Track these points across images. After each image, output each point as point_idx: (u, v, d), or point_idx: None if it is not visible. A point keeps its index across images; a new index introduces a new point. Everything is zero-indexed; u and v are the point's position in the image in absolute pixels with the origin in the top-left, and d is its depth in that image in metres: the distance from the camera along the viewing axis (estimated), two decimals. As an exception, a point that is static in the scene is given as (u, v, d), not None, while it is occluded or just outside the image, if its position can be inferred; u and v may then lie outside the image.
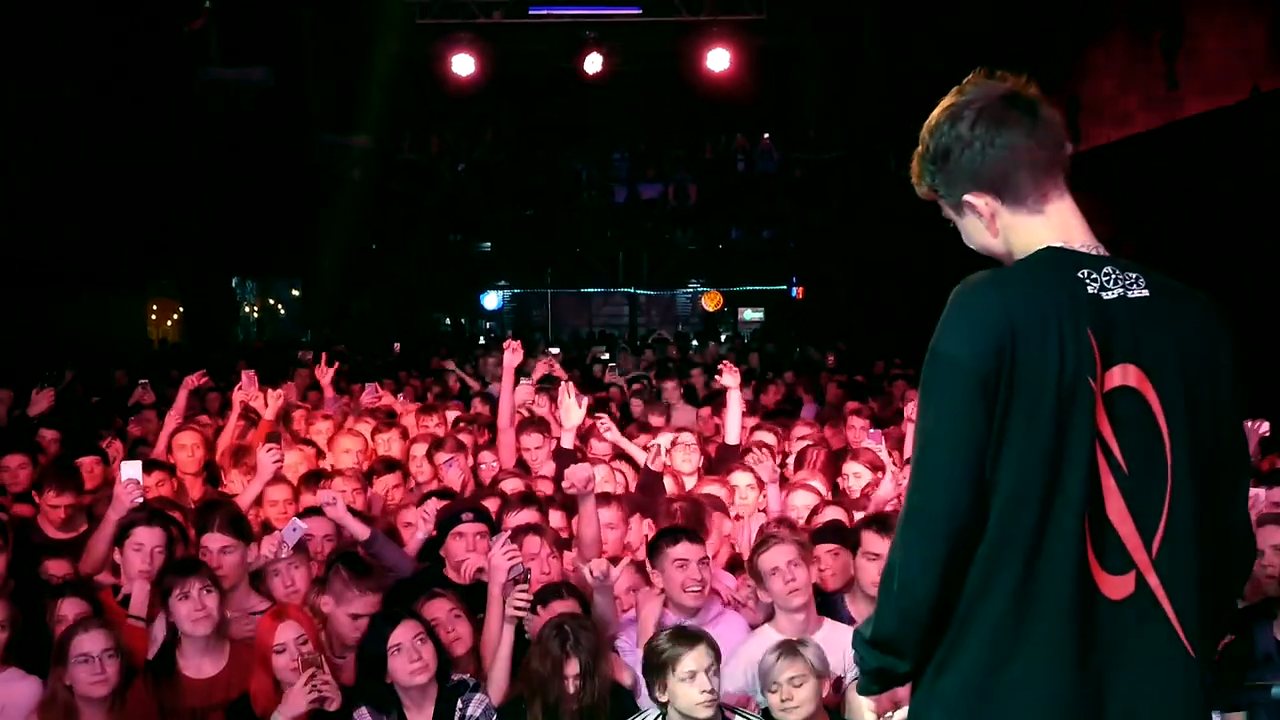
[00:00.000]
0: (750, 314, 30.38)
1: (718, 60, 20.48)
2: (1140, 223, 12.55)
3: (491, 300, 27.71)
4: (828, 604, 5.44)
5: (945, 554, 2.56)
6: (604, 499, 6.30)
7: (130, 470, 5.98)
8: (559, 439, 7.86)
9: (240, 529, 5.93)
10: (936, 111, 2.71)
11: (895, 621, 2.66)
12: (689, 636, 4.61)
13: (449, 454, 8.35)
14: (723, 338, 25.28)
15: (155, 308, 22.79)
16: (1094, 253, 2.65)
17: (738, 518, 6.92)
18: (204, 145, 18.26)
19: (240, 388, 9.14)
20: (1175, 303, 2.64)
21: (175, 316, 23.33)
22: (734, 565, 6.36)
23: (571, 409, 7.60)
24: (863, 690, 2.90)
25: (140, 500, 5.93)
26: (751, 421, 9.18)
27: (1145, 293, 2.61)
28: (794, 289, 26.80)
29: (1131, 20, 16.34)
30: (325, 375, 10.81)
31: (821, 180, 23.59)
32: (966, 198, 2.71)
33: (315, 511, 6.36)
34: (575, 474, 5.85)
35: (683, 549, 5.35)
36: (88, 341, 16.46)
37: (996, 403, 2.50)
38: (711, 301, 27.17)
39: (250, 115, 18.79)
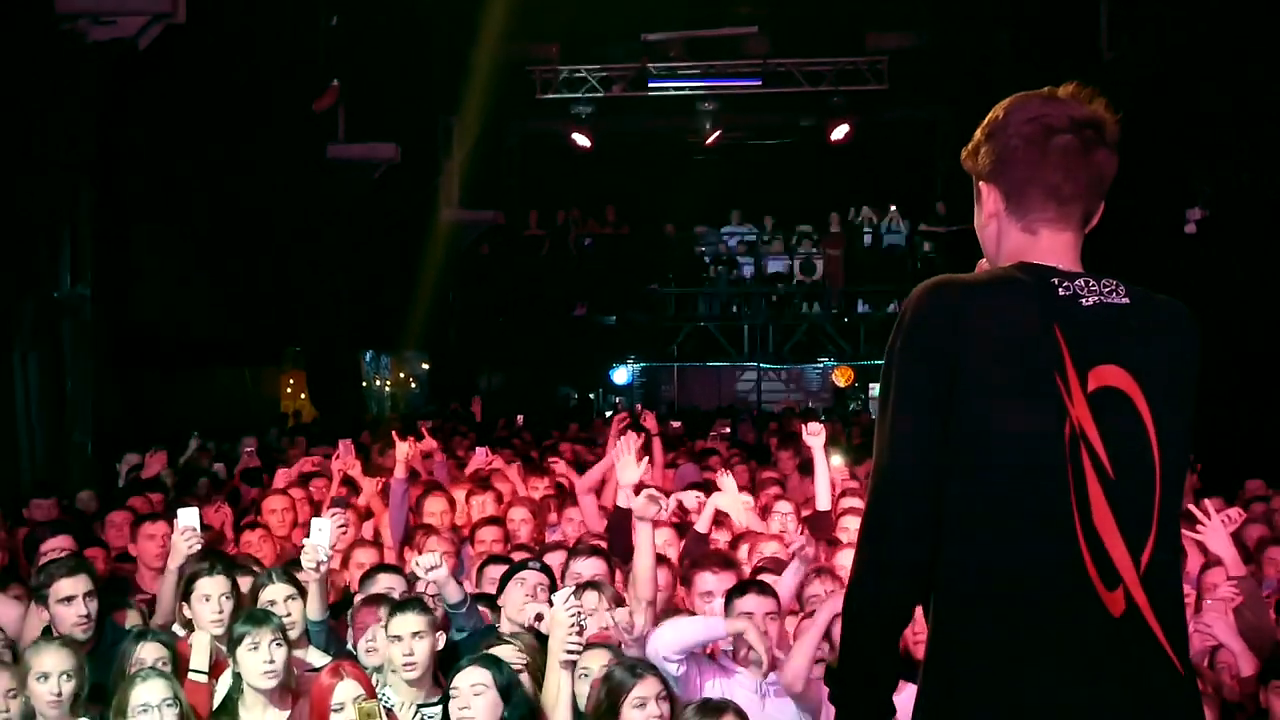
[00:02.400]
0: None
1: (839, 132, 20.44)
2: None
3: (621, 375, 27.77)
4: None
5: (903, 563, 2.48)
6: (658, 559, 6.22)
7: (187, 518, 6.04)
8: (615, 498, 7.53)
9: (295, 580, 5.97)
10: (1021, 94, 2.69)
11: (856, 645, 2.56)
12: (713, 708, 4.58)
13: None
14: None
15: (291, 381, 23.23)
16: (1069, 269, 2.59)
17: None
18: (333, 220, 18.64)
19: (338, 456, 9.32)
20: (1158, 312, 2.57)
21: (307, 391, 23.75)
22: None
23: (629, 465, 7.12)
24: None
25: (198, 548, 5.99)
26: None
27: (1126, 300, 2.54)
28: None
29: None
30: (425, 445, 10.80)
31: (950, 253, 23.33)
32: (981, 184, 2.70)
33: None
34: (645, 499, 5.80)
35: (749, 602, 5.25)
36: (223, 414, 16.83)
37: (954, 403, 2.44)
38: (843, 376, 26.83)
39: (378, 191, 19.16)
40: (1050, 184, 2.59)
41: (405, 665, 5.27)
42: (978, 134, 2.71)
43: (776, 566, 6.22)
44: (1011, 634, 2.42)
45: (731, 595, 5.33)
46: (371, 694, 5.11)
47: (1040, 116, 2.60)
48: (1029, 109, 2.63)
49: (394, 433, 9.98)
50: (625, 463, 7.16)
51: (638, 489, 6.71)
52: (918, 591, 2.53)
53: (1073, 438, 2.43)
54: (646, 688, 4.71)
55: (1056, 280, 2.54)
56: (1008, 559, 2.43)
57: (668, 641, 5.07)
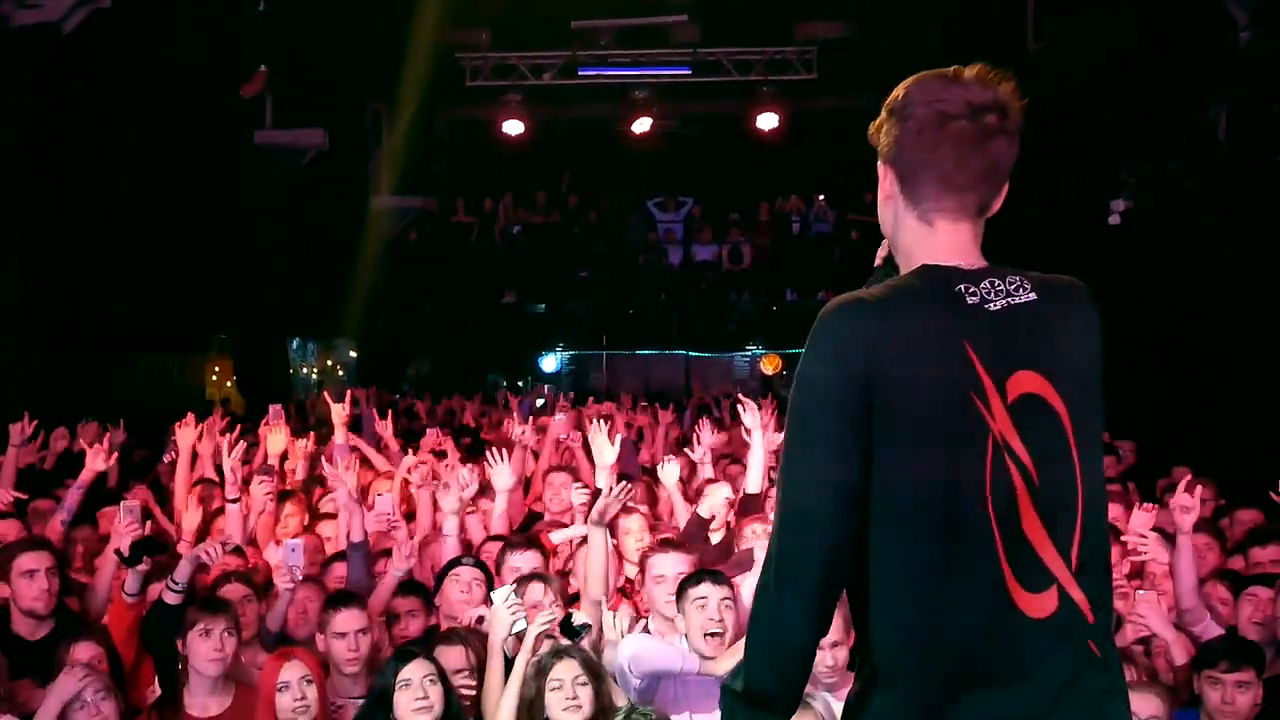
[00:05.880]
0: (808, 377, 29.97)
1: (767, 121, 20.54)
2: None
3: (550, 363, 27.73)
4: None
5: (820, 597, 2.45)
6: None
7: (132, 504, 6.12)
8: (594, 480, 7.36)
9: (252, 582, 6.07)
10: (926, 73, 2.62)
11: (772, 674, 2.51)
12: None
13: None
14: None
15: (216, 368, 23.00)
16: (972, 267, 2.55)
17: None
18: (260, 207, 18.47)
19: (266, 422, 9.27)
20: (1060, 300, 2.56)
21: (234, 378, 23.51)
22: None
23: (605, 448, 7.07)
24: None
25: (139, 533, 6.03)
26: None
27: (1033, 296, 2.52)
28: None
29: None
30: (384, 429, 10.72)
31: (877, 242, 23.43)
32: (880, 163, 2.66)
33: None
34: (601, 504, 5.79)
35: (704, 589, 5.21)
36: (148, 401, 16.62)
37: (867, 433, 2.39)
38: (770, 364, 26.92)
39: (306, 177, 19.01)
40: (942, 172, 2.55)
41: (349, 660, 5.37)
42: (883, 110, 2.66)
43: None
44: (943, 663, 2.42)
45: (686, 584, 5.29)
46: (319, 677, 5.15)
47: (937, 101, 2.54)
48: (928, 92, 2.56)
49: (326, 394, 9.88)
50: (600, 444, 7.10)
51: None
52: (825, 628, 2.49)
53: (995, 452, 2.42)
54: (565, 669, 4.77)
55: (963, 287, 2.50)
56: (937, 590, 2.42)
57: (636, 659, 5.06)
